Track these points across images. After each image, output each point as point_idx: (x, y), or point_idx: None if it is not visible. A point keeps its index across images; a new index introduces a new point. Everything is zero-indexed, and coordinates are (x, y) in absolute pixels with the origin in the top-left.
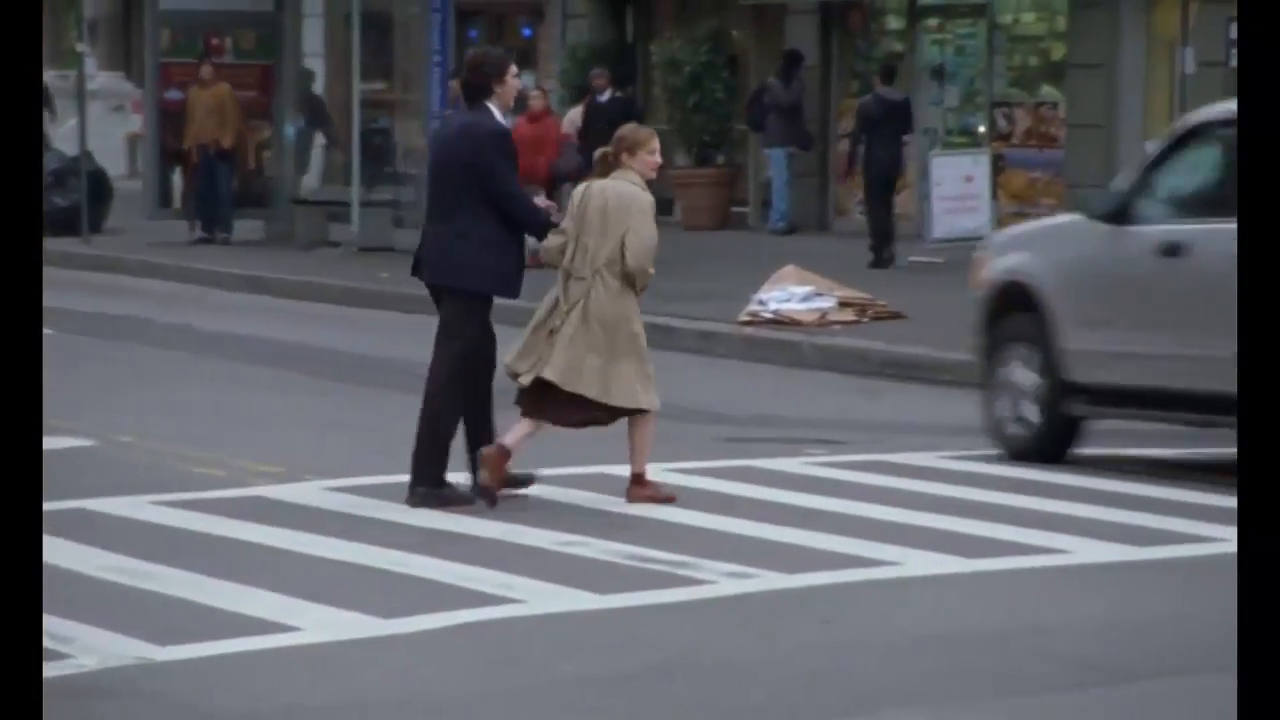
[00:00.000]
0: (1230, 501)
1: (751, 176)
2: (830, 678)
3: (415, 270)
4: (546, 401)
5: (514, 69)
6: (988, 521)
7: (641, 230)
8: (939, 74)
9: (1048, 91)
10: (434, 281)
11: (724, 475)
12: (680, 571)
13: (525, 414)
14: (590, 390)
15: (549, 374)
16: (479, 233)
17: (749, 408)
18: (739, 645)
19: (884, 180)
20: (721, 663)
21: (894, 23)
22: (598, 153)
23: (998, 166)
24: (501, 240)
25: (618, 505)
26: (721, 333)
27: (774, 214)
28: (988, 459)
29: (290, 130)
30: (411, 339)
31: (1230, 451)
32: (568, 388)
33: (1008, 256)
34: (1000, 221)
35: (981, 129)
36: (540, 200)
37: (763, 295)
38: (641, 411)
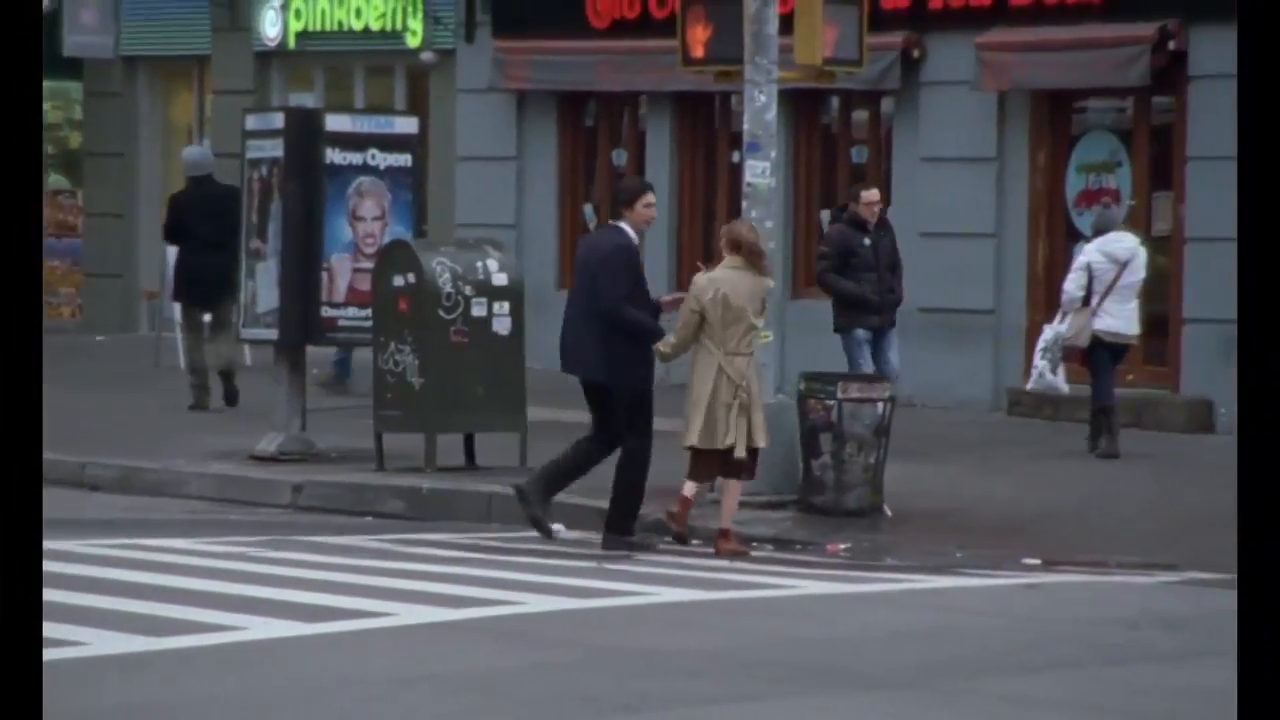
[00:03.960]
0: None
1: None
2: None
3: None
4: (720, 463)
5: (648, 199)
6: None
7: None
8: None
9: (65, 180)
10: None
11: None
12: None
13: (700, 479)
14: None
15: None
16: (602, 330)
17: None
18: None
19: None
20: None
21: None
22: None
23: None
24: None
25: None
26: None
27: None
28: None
29: None
30: None
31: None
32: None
33: None
34: None
35: None
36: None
37: None
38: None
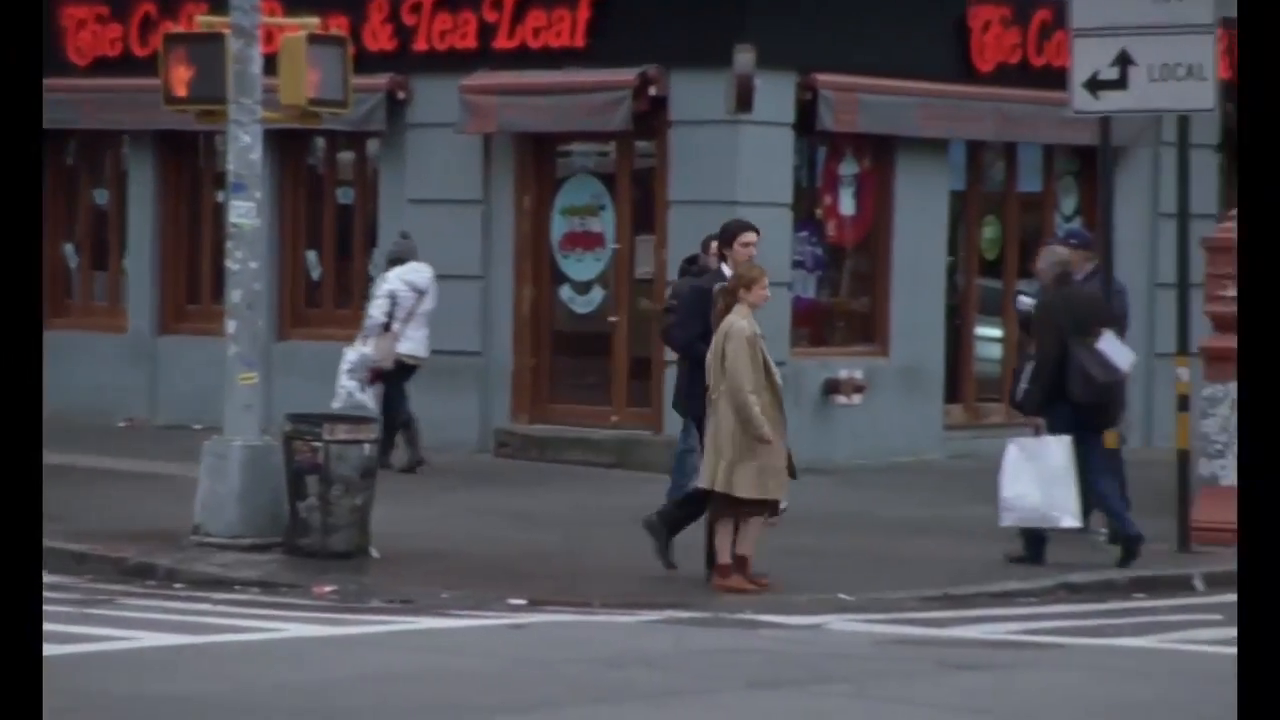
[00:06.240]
0: None
1: None
2: None
3: None
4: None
5: (745, 237)
6: None
7: (735, 358)
8: None
9: None
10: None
11: None
12: None
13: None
14: (719, 487)
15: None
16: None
17: None
18: None
19: None
20: None
21: None
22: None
23: None
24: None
25: None
26: None
27: None
28: None
29: None
30: None
31: None
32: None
33: None
34: None
35: None
36: None
37: None
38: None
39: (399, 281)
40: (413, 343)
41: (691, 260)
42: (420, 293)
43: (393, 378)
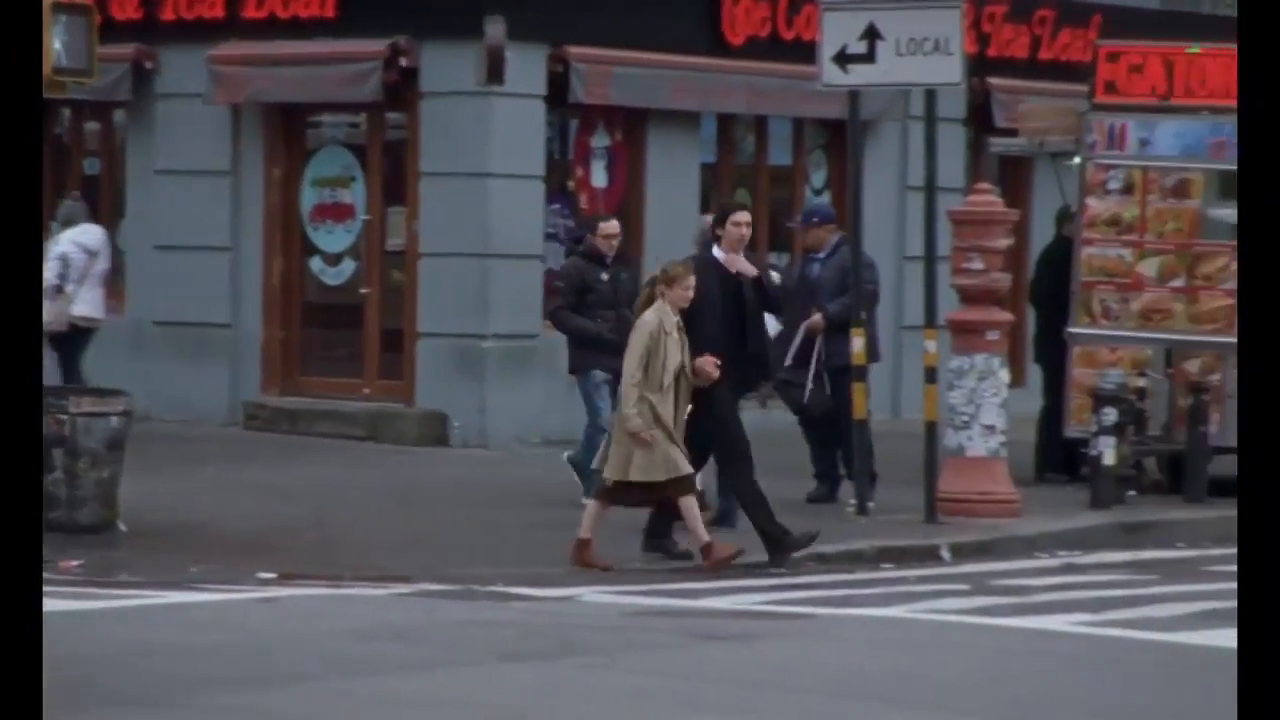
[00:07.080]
0: None
1: None
2: None
3: None
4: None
5: (736, 216)
6: None
7: (630, 349)
8: None
9: None
10: None
11: None
12: None
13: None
14: (621, 473)
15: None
16: None
17: None
18: None
19: None
20: None
21: None
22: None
23: None
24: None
25: None
26: None
27: None
28: None
29: None
30: None
31: None
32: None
33: None
34: None
35: None
36: None
37: None
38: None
39: (70, 244)
40: (87, 305)
41: (578, 241)
42: (92, 254)
43: (69, 342)
